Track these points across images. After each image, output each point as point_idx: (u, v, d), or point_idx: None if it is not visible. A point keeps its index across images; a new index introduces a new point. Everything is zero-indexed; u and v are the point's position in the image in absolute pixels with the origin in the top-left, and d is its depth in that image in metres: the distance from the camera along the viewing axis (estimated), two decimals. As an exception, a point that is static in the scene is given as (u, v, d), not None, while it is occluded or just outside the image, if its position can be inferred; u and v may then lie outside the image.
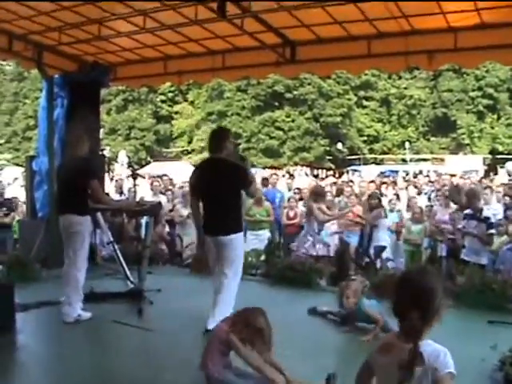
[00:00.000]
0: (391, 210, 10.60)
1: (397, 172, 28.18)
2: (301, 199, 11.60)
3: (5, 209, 10.85)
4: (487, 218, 7.73)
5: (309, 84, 40.16)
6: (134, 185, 7.58)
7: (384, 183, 15.35)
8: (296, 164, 37.12)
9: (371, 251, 9.68)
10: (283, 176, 19.87)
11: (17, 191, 13.07)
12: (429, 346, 2.17)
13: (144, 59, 9.08)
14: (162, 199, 10.56)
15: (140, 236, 7.35)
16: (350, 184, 12.94)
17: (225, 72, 8.78)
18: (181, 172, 21.90)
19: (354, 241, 9.91)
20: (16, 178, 16.61)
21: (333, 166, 40.14)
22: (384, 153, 44.62)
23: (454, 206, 9.60)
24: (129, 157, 30.99)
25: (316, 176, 28.61)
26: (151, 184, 12.86)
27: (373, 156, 43.35)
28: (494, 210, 9.03)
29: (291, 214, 10.61)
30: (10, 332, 5.31)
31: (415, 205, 10.69)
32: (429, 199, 12.86)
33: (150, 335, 5.51)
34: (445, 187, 12.45)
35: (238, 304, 5.00)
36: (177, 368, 4.56)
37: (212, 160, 5.72)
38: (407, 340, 2.17)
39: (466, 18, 6.45)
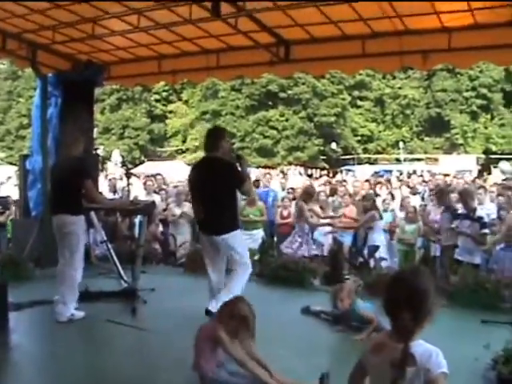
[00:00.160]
0: (385, 210, 10.58)
1: (391, 172, 28.11)
2: (294, 199, 11.57)
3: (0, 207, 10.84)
4: (481, 218, 7.77)
5: (303, 83, 40.06)
6: (128, 184, 7.56)
7: (379, 183, 15.36)
8: (290, 163, 37.00)
9: (365, 251, 9.69)
10: (277, 175, 19.85)
11: (10, 190, 13.01)
12: (420, 346, 2.17)
13: (138, 58, 9.07)
14: (156, 198, 10.52)
15: (134, 235, 7.36)
16: (344, 184, 12.96)
17: (219, 71, 8.77)
18: (175, 171, 21.87)
19: (347, 240, 9.93)
20: (9, 177, 16.52)
21: (327, 166, 40.05)
22: (378, 152, 44.56)
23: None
24: (123, 156, 30.87)
25: (310, 175, 28.59)
26: (145, 183, 12.82)
27: (367, 156, 43.28)
28: (487, 209, 9.08)
29: (285, 213, 10.59)
30: (4, 331, 5.30)
31: (409, 204, 10.68)
32: (422, 199, 12.89)
33: (143, 334, 5.51)
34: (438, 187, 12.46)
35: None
36: (171, 367, 4.56)
37: (208, 159, 5.74)
38: (399, 339, 2.17)
39: (459, 18, 6.48)
